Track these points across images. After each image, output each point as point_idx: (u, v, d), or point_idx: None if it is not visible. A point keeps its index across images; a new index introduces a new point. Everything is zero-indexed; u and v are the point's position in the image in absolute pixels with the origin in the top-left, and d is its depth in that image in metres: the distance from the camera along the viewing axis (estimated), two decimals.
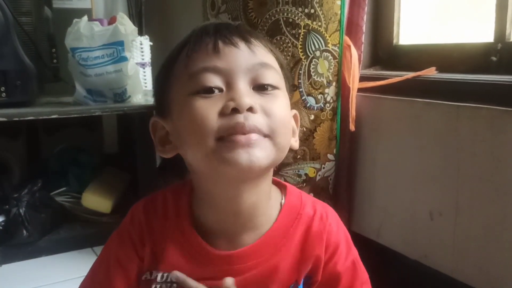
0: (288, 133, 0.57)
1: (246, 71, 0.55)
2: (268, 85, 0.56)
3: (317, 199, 0.67)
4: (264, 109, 0.53)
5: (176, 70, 0.58)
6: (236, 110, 0.52)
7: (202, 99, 0.54)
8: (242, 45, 0.56)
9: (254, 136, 0.52)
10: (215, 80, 0.54)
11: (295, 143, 0.62)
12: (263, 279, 0.60)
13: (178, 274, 0.59)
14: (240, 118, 0.51)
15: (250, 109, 0.52)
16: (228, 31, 0.57)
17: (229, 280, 0.57)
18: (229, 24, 0.59)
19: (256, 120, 0.52)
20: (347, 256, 0.63)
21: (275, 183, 0.64)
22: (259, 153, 0.52)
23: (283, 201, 0.63)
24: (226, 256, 0.59)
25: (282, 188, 0.65)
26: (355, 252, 0.65)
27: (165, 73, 0.60)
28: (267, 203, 0.61)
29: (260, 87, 0.55)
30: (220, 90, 0.54)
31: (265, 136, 0.53)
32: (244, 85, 0.54)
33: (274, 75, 0.57)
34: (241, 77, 0.54)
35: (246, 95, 0.53)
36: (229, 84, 0.54)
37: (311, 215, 0.62)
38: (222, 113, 0.52)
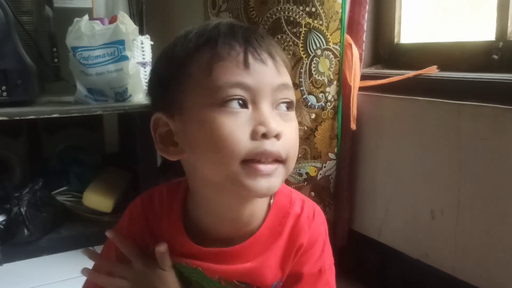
0: (296, 157, 0.58)
1: (271, 91, 0.54)
2: (287, 106, 0.56)
3: (309, 198, 0.67)
4: (285, 135, 0.54)
5: (196, 71, 0.55)
6: (264, 136, 0.52)
7: (228, 116, 0.52)
8: (269, 62, 0.55)
9: (274, 166, 0.53)
10: (243, 95, 0.53)
11: None
12: (249, 275, 0.60)
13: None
14: (268, 145, 0.52)
15: (277, 136, 0.53)
16: (257, 43, 0.55)
17: (163, 247, 0.60)
18: (255, 32, 0.57)
19: (280, 147, 0.53)
20: (317, 261, 0.62)
21: None
22: (277, 181, 0.54)
23: (271, 200, 0.63)
24: (215, 253, 0.60)
25: None
26: (327, 260, 0.64)
27: (178, 69, 0.56)
28: (262, 207, 0.62)
29: (280, 108, 0.56)
30: (246, 107, 0.53)
31: (282, 162, 0.54)
32: (268, 106, 0.54)
33: (293, 96, 0.57)
34: (267, 97, 0.54)
35: (273, 119, 0.53)
36: (256, 103, 0.53)
37: (298, 213, 0.63)
38: (252, 137, 0.52)
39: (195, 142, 0.55)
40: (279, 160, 0.53)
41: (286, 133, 0.54)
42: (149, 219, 0.64)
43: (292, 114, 0.57)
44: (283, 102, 0.56)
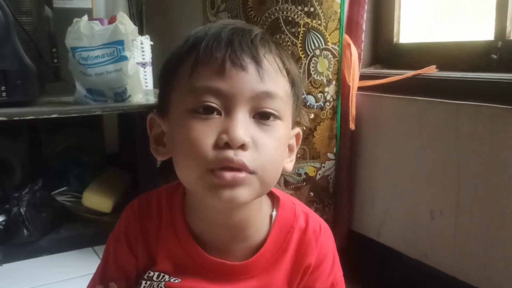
0: (278, 168, 0.56)
1: (249, 98, 0.52)
2: (269, 115, 0.53)
3: (313, 211, 0.66)
4: (257, 144, 0.51)
5: (181, 73, 0.55)
6: (228, 145, 0.50)
7: (198, 121, 0.52)
8: (251, 68, 0.52)
9: (240, 175, 0.50)
10: (215, 102, 0.52)
11: (289, 163, 0.60)
12: None
13: None
14: (230, 153, 0.50)
15: (242, 146, 0.50)
16: (240, 48, 0.52)
17: None
18: (245, 35, 0.54)
19: (245, 158, 0.50)
20: (329, 276, 0.62)
21: (268, 193, 0.62)
22: (243, 191, 0.51)
23: (274, 213, 0.62)
24: (222, 265, 0.59)
25: (274, 199, 0.63)
26: (338, 273, 0.64)
27: (170, 71, 0.57)
28: (257, 216, 0.60)
29: (260, 117, 0.53)
30: (219, 113, 0.52)
31: (252, 173, 0.51)
32: (243, 114, 0.52)
33: (278, 105, 0.54)
34: (242, 104, 0.52)
35: (241, 128, 0.50)
36: (228, 109, 0.52)
37: (303, 227, 0.62)
38: (216, 145, 0.51)
39: (174, 144, 0.55)
40: (248, 171, 0.51)
41: (262, 144, 0.52)
42: (145, 224, 0.63)
43: (276, 124, 0.54)
44: (264, 111, 0.53)
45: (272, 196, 0.64)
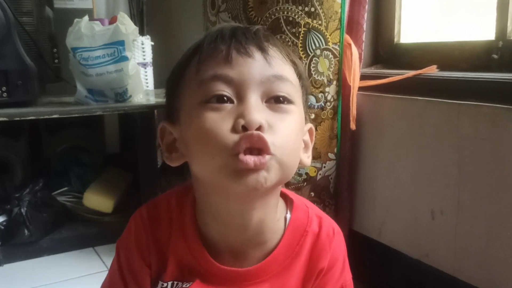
0: (296, 152, 0.55)
1: (259, 83, 0.52)
2: (281, 99, 0.53)
3: (326, 215, 0.65)
4: (273, 127, 0.51)
5: (187, 75, 0.55)
6: (245, 128, 0.50)
7: (213, 111, 0.51)
8: (257, 55, 0.53)
9: (262, 159, 0.50)
10: (226, 90, 0.52)
11: (307, 159, 0.59)
12: None
13: None
14: (247, 134, 0.50)
15: (259, 128, 0.50)
16: (244, 38, 0.53)
17: None
18: (247, 29, 0.55)
19: (265, 137, 0.50)
20: (339, 279, 0.62)
21: (281, 195, 0.62)
22: (267, 174, 0.51)
23: (288, 215, 0.61)
24: (232, 273, 0.58)
25: (288, 201, 0.63)
26: (347, 276, 0.64)
27: (176, 77, 0.57)
28: (274, 218, 0.59)
29: (273, 101, 0.53)
30: (231, 101, 0.52)
31: (271, 154, 0.51)
32: (255, 99, 0.52)
33: (289, 89, 0.54)
34: (254, 89, 0.52)
35: (256, 111, 0.50)
36: (240, 96, 0.52)
37: (316, 231, 0.61)
38: (233, 130, 0.50)
39: (187, 142, 0.55)
40: (265, 151, 0.50)
41: (277, 126, 0.51)
42: (156, 231, 0.62)
43: (289, 108, 0.54)
44: (276, 95, 0.53)
45: (285, 198, 0.63)
